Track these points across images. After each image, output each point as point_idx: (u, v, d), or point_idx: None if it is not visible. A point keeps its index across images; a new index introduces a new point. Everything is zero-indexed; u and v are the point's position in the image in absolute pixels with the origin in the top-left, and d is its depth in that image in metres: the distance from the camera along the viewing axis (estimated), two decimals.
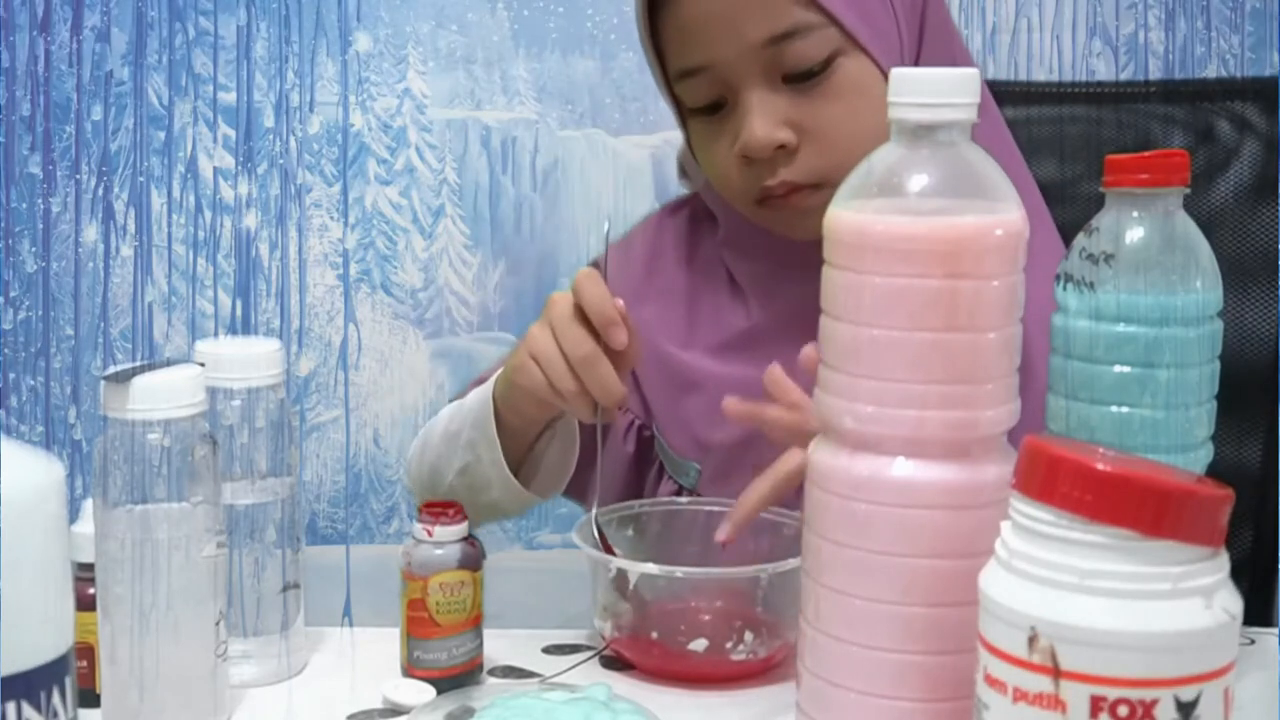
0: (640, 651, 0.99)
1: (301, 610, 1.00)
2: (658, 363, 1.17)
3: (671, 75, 1.11)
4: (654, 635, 0.98)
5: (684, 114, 1.13)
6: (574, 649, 1.03)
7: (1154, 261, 0.86)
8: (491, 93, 2.00)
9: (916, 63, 1.10)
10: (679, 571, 0.97)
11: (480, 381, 1.23)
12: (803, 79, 1.06)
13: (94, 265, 2.01)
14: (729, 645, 0.97)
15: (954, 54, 1.15)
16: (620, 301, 1.01)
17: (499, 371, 1.12)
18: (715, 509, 1.05)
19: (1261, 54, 1.92)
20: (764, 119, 1.06)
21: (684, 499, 1.14)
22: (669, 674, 0.98)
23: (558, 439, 1.12)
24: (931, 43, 1.11)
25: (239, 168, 1.99)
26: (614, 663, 1.01)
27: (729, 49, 1.06)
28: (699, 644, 0.97)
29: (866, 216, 0.77)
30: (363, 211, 2.00)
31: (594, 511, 1.05)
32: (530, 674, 0.99)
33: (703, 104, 1.10)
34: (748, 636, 0.97)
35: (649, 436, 1.22)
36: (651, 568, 0.97)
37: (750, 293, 1.18)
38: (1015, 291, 0.77)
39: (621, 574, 0.97)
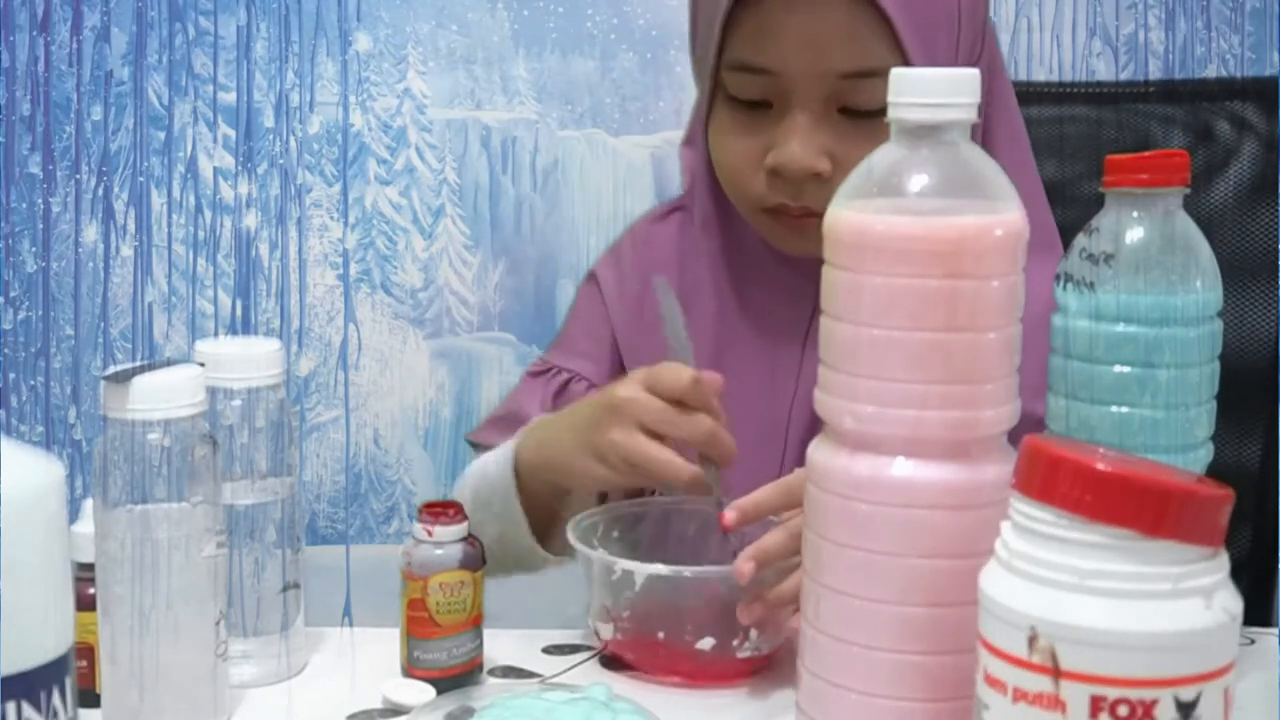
0: (645, 651, 0.99)
1: (301, 610, 1.00)
2: None
3: (727, 62, 1.08)
4: (660, 635, 0.98)
5: (714, 95, 1.11)
6: (574, 649, 1.03)
7: (1154, 261, 0.86)
8: (491, 93, 2.00)
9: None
10: (687, 571, 0.97)
11: (494, 422, 1.22)
12: (858, 116, 1.05)
13: (94, 265, 2.00)
14: (735, 643, 0.97)
15: (1014, 127, 1.14)
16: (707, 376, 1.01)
17: (518, 443, 1.12)
18: (710, 509, 1.05)
19: (1261, 54, 1.92)
20: (808, 144, 1.05)
21: (675, 498, 1.13)
22: (674, 673, 0.98)
23: (574, 500, 1.12)
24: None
25: (239, 168, 1.99)
26: (614, 663, 1.01)
27: (803, 66, 1.04)
28: (706, 642, 0.97)
29: (866, 216, 0.77)
30: (363, 211, 2.00)
31: (586, 513, 1.05)
32: (530, 674, 0.99)
33: (748, 99, 1.08)
34: (752, 634, 0.97)
35: None
36: (660, 568, 0.97)
37: (736, 296, 1.17)
38: (1015, 291, 0.77)
39: (627, 574, 0.97)
